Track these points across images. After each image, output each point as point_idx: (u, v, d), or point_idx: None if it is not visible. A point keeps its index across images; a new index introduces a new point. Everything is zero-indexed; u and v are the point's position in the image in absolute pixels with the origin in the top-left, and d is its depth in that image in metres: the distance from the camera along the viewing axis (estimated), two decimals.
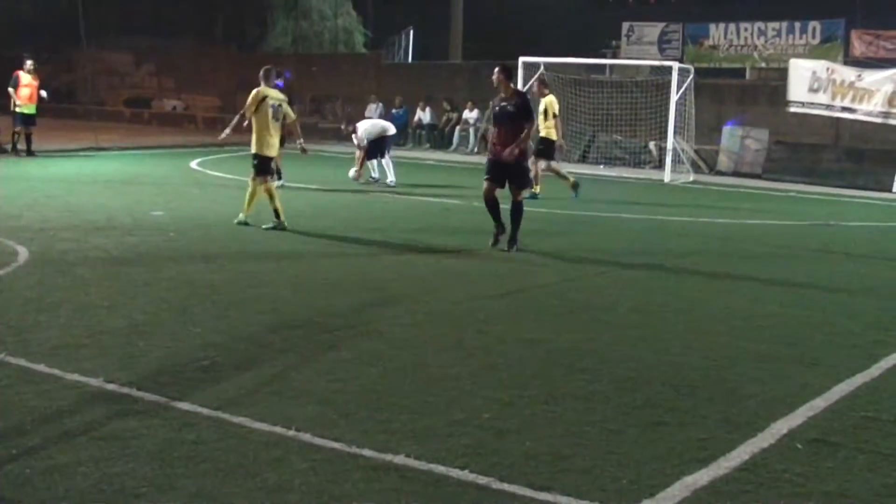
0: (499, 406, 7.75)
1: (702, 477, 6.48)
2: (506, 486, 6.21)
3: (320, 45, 50.92)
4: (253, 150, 16.63)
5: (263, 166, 16.69)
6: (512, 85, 15.36)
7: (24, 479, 6.09)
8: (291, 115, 17.39)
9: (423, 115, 38.56)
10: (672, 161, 29.48)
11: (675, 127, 29.38)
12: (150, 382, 8.00)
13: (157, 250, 14.15)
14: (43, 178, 23.15)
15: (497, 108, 15.36)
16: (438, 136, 38.07)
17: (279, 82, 22.84)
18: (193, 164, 27.17)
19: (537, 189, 22.30)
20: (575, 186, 22.66)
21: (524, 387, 8.31)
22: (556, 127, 22.57)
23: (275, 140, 16.84)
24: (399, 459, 6.55)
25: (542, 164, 22.56)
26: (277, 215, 16.49)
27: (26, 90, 27.87)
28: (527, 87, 29.90)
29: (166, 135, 38.06)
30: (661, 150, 31.11)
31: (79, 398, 7.64)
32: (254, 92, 16.71)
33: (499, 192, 15.35)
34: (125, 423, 7.09)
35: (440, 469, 6.42)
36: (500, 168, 15.09)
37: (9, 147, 28.03)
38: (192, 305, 10.90)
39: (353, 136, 24.13)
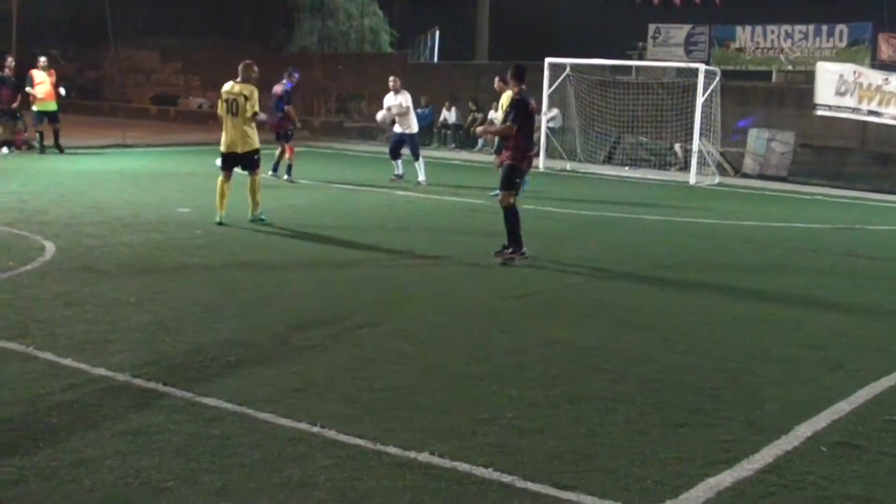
0: (523, 405, 7.78)
1: (725, 478, 6.49)
2: (530, 485, 6.23)
3: (346, 45, 50.94)
4: None
5: (223, 161, 16.84)
6: (523, 87, 14.62)
7: (50, 472, 6.14)
8: (247, 110, 16.42)
9: (449, 115, 38.52)
10: (697, 163, 29.39)
11: (700, 129, 29.29)
12: (176, 378, 8.06)
13: (183, 247, 14.21)
14: (69, 173, 23.25)
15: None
16: (464, 136, 38.01)
17: (288, 82, 22.87)
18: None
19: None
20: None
21: (548, 386, 8.33)
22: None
23: (231, 136, 16.53)
24: (423, 457, 6.58)
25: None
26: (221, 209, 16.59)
27: (41, 87, 27.76)
28: (552, 87, 30.02)
29: (192, 132, 38.12)
30: (687, 152, 31.01)
31: (105, 392, 7.71)
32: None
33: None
34: (151, 417, 7.15)
35: (464, 467, 6.45)
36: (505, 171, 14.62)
37: (36, 143, 28.09)
38: (218, 303, 10.95)
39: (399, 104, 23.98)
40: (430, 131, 37.95)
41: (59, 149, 27.82)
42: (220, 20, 51.03)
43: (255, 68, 16.93)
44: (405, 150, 24.20)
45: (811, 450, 7.12)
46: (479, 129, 18.88)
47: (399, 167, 24.21)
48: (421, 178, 23.75)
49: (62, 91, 28.30)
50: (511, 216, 14.35)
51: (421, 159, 23.88)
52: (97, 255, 13.29)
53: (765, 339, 10.42)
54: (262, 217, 16.60)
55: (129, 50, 48.65)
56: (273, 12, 52.81)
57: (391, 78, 24.14)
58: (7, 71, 27.91)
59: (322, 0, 51.28)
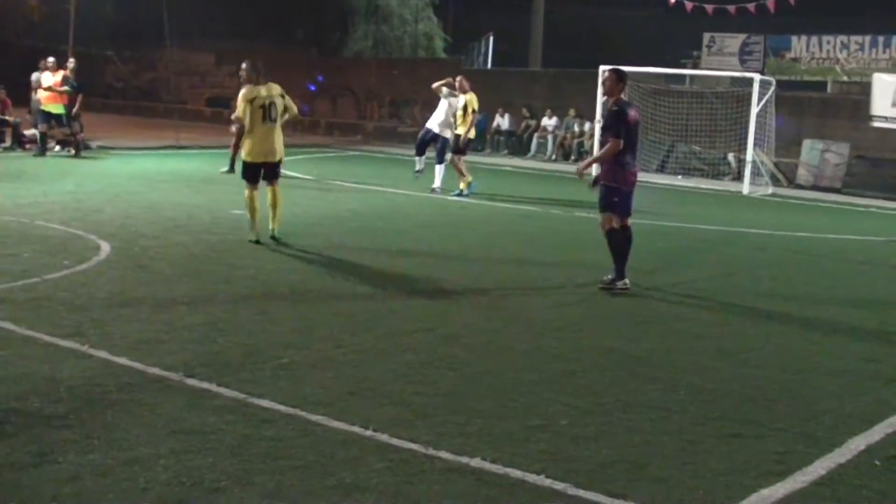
0: (576, 413, 7.77)
1: (778, 490, 6.46)
2: (582, 493, 6.22)
3: (400, 50, 51.11)
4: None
5: (250, 172, 15.00)
6: (622, 95, 13.23)
7: (105, 469, 6.20)
8: (293, 109, 15.38)
9: (502, 122, 38.50)
10: (751, 173, 29.24)
11: (754, 139, 29.14)
12: (229, 378, 8.12)
13: (237, 249, 14.25)
14: (124, 174, 23.42)
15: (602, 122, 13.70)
16: (517, 143, 38.01)
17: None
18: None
19: (469, 180, 22.83)
20: (469, 185, 22.83)
21: (601, 394, 8.32)
22: (466, 123, 22.60)
23: (267, 144, 14.89)
24: (476, 462, 6.59)
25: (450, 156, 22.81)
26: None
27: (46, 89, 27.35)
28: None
29: None
30: (741, 162, 30.85)
31: (160, 392, 7.77)
32: (243, 91, 15.17)
33: None
34: (205, 417, 7.19)
35: (517, 473, 6.45)
36: (601, 193, 13.11)
37: (92, 144, 28.20)
38: (270, 304, 11.01)
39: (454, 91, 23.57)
40: (483, 137, 37.99)
41: (76, 148, 27.34)
42: (275, 24, 51.27)
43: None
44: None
45: (865, 463, 7.07)
46: (581, 165, 14.12)
47: (421, 163, 23.69)
48: (437, 183, 23.17)
49: (64, 88, 27.59)
50: (613, 241, 13.06)
51: (443, 165, 23.28)
52: (151, 255, 13.39)
53: (819, 351, 10.36)
54: (258, 239, 14.85)
55: (184, 52, 48.91)
56: (327, 16, 53.03)
57: (460, 78, 23.45)
58: (68, 73, 27.84)
59: (377, 5, 51.44)
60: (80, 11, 35.93)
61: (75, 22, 35.29)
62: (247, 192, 14.98)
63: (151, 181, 22.30)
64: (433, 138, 22.99)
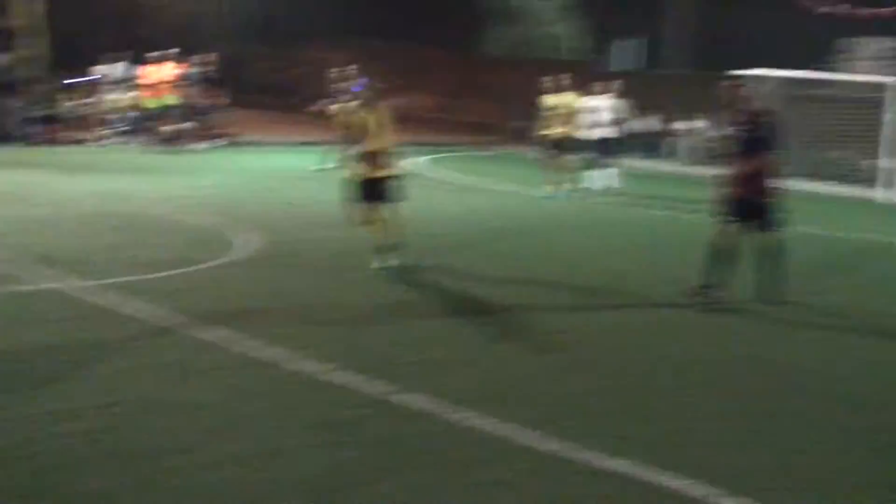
0: (723, 418, 7.69)
1: None
2: (726, 501, 6.15)
3: (540, 51, 50.97)
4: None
5: None
6: (753, 104, 12.48)
7: (246, 459, 6.35)
8: None
9: (639, 124, 38.15)
10: (886, 180, 28.70)
11: (890, 145, 28.62)
12: (374, 373, 8.18)
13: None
14: (264, 170, 23.75)
15: (733, 132, 12.43)
16: (652, 146, 37.69)
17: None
18: (417, 161, 26.91)
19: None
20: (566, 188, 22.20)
21: (749, 401, 8.21)
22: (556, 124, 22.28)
23: None
24: (621, 466, 6.53)
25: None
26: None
27: (148, 82, 27.94)
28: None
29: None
30: (875, 169, 30.29)
31: (302, 385, 7.92)
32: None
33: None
34: (349, 411, 7.30)
35: (661, 478, 6.38)
36: (743, 207, 11.97)
37: (232, 139, 28.63)
38: (416, 299, 11.17)
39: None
40: (620, 140, 37.84)
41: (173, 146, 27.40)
42: (414, 25, 51.53)
43: None
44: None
45: None
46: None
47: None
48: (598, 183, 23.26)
49: (190, 79, 28.06)
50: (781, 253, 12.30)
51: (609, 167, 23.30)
52: (291, 251, 13.62)
53: None
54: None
55: (326, 51, 49.44)
56: (468, 17, 53.11)
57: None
58: (208, 68, 28.33)
59: (517, 5, 51.40)
60: (223, 8, 36.51)
61: (223, 20, 35.85)
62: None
63: (290, 178, 22.54)
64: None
